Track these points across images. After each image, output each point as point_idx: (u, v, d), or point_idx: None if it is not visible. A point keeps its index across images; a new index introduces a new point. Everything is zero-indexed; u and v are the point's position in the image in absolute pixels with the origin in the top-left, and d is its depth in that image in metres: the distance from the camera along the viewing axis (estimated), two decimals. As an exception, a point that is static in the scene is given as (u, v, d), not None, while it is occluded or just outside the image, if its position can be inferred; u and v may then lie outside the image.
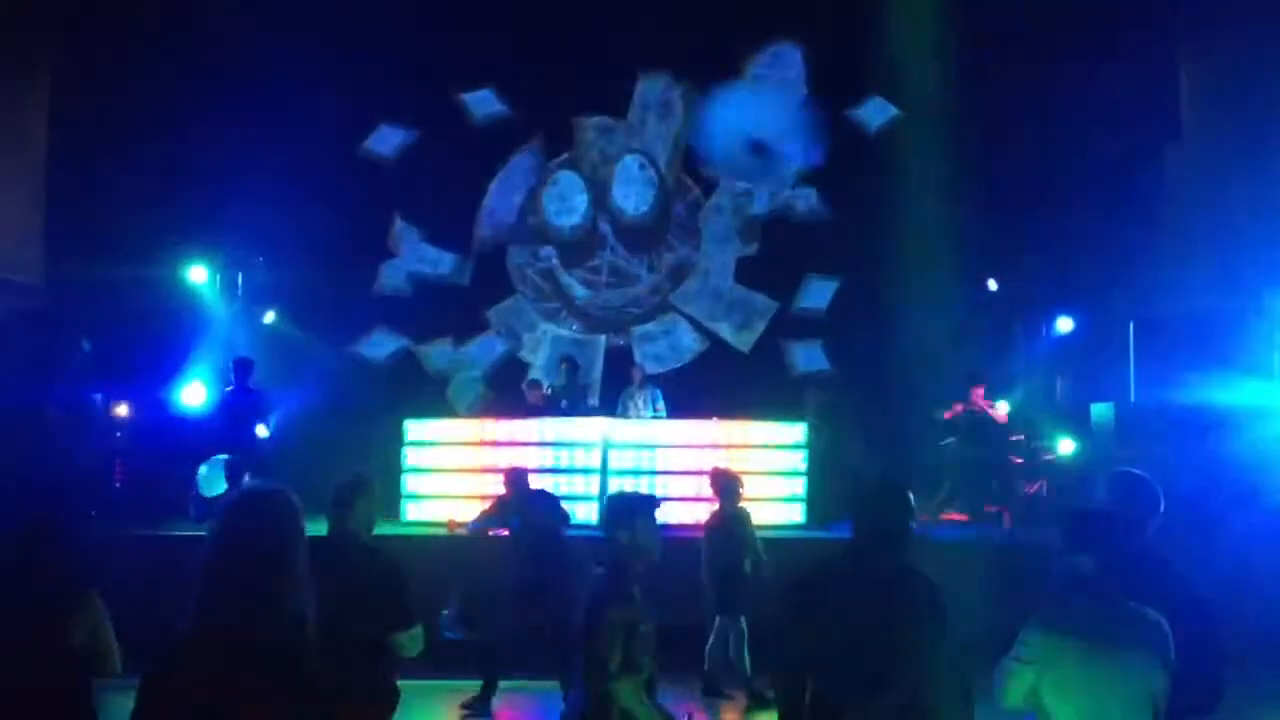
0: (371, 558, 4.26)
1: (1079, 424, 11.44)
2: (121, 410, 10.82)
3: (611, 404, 12.41)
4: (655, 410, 11.95)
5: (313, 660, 2.69)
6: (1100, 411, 11.13)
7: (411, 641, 4.20)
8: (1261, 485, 9.28)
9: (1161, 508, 3.86)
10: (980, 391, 11.23)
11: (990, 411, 11.18)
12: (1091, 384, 11.97)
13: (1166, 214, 12.16)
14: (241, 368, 11.25)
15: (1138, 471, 3.98)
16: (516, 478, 7.79)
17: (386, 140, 13.55)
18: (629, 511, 4.05)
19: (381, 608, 4.08)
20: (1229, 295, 11.20)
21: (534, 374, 13.21)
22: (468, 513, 10.11)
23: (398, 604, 4.17)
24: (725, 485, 7.81)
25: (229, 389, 11.32)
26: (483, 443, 10.94)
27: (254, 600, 2.64)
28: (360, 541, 4.31)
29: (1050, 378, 12.84)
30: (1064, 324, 12.76)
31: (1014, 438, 10.53)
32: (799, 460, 10.88)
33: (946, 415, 11.34)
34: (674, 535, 10.15)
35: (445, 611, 6.73)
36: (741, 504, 7.85)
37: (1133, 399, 11.26)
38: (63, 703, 4.14)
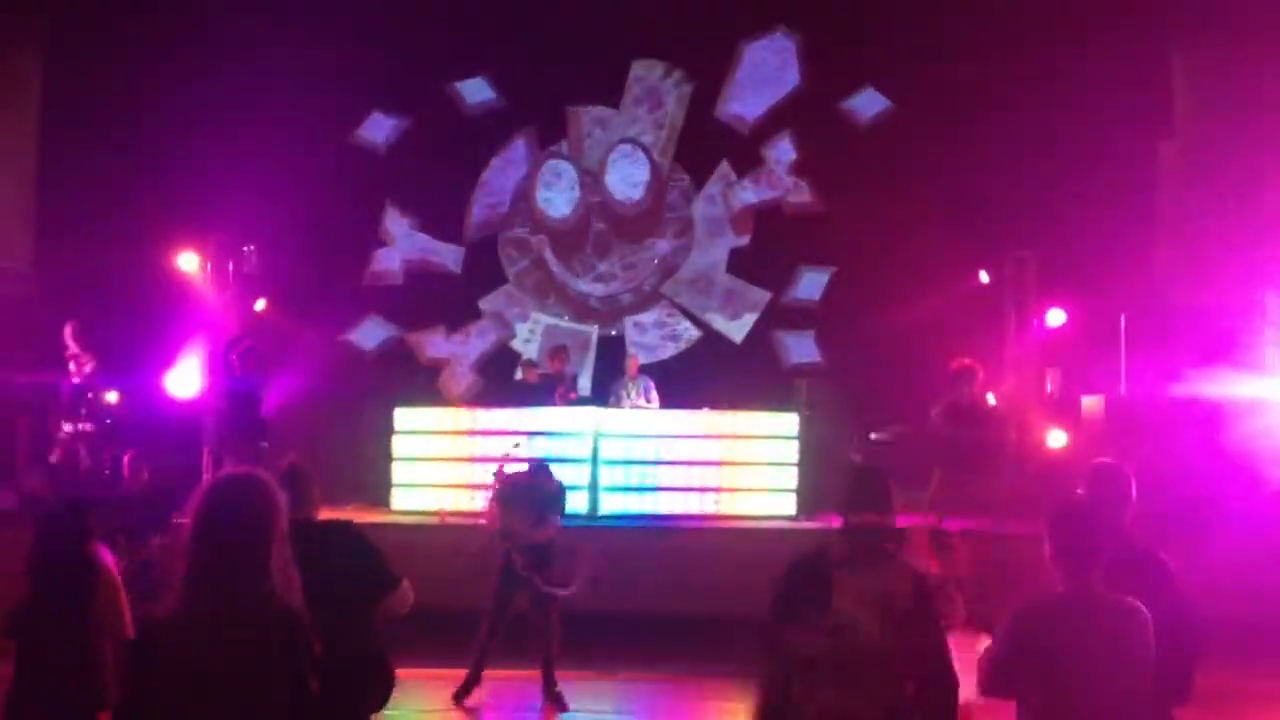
0: (334, 533, 4.24)
1: (1069, 416, 11.43)
2: (111, 397, 10.78)
3: (603, 394, 12.39)
4: (648, 401, 11.93)
5: (297, 633, 2.78)
6: (1090, 404, 11.13)
7: (400, 600, 4.19)
8: (1252, 478, 9.29)
9: (1133, 495, 3.88)
10: (973, 382, 11.19)
11: (984, 402, 11.14)
12: (1082, 377, 11.97)
13: (1159, 208, 12.17)
14: (245, 354, 11.12)
15: (1110, 461, 4.00)
16: None
17: (379, 128, 13.52)
18: None
19: (360, 578, 4.06)
20: (1220, 289, 11.21)
21: (529, 355, 13.21)
22: (457, 502, 10.17)
23: (375, 569, 4.16)
24: None
25: (235, 375, 11.18)
26: (472, 432, 10.91)
27: (233, 578, 2.77)
28: (316, 522, 4.28)
29: (1041, 370, 12.83)
30: (1055, 316, 12.74)
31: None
32: (790, 451, 10.87)
33: (935, 407, 11.30)
34: (671, 526, 10.22)
35: None
36: None
37: (1123, 392, 11.26)
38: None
